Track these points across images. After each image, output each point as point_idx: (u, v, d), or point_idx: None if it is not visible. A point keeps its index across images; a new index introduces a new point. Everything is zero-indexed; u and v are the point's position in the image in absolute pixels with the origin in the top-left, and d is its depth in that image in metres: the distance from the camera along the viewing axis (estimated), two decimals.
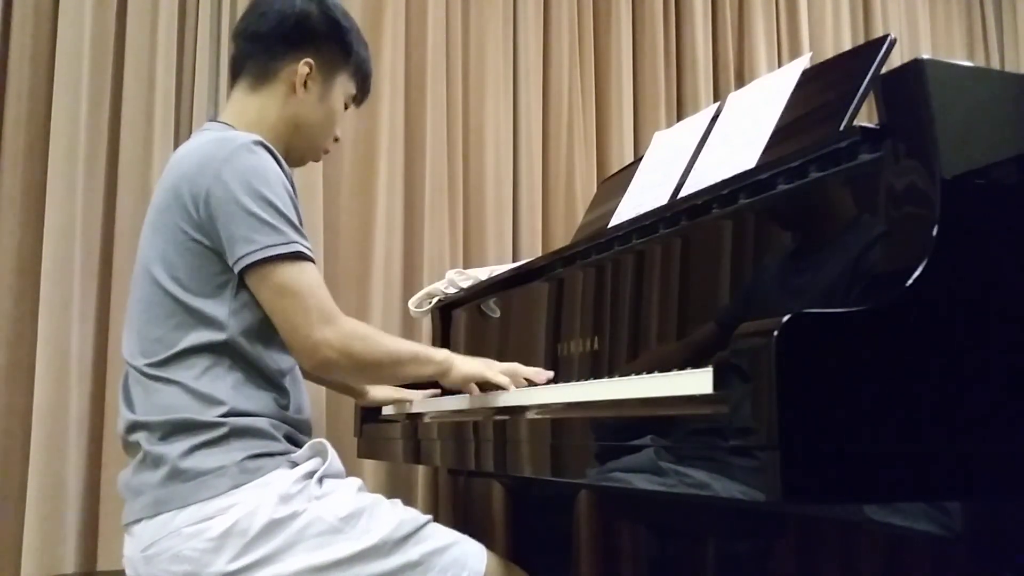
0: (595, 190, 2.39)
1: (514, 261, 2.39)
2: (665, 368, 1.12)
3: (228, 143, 1.26)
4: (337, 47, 1.44)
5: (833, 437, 0.77)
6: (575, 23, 2.69)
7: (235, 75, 1.44)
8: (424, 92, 2.41)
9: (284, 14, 1.40)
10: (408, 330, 2.35)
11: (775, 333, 0.76)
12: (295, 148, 1.44)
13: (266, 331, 1.28)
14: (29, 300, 2.01)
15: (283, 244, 1.23)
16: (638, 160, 1.71)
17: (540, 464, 1.19)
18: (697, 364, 0.96)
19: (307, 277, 1.24)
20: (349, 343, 1.26)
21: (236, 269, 1.23)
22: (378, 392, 1.77)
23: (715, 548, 1.64)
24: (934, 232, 0.86)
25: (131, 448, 1.28)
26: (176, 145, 2.15)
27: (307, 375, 1.46)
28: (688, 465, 0.87)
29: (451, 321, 2.05)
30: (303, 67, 1.39)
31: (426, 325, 2.27)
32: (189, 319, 1.25)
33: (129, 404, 1.28)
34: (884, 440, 0.79)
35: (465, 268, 2.20)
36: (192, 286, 1.25)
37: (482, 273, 1.97)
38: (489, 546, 1.32)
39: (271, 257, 1.22)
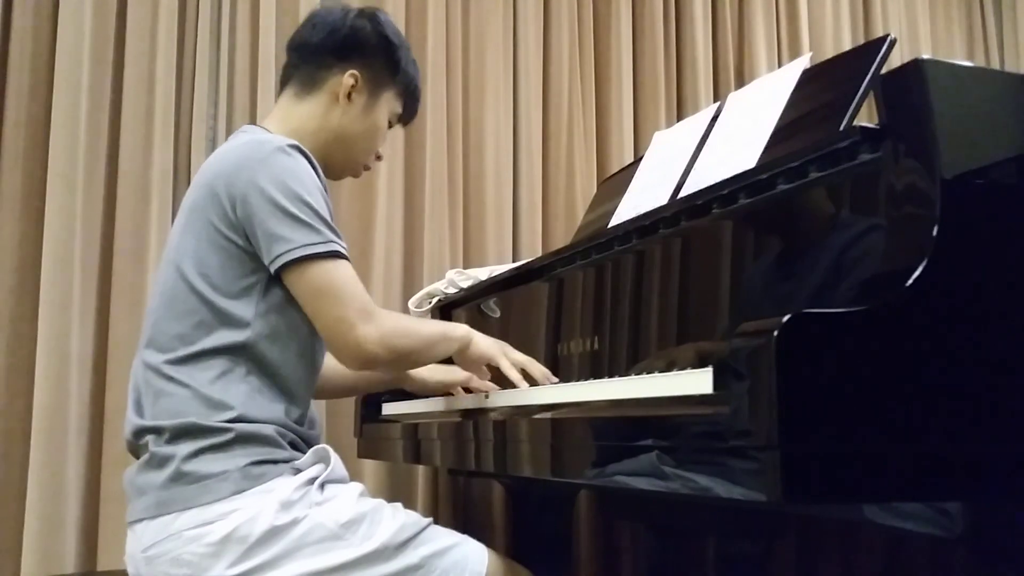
0: (595, 190, 2.39)
1: (514, 261, 2.39)
2: (665, 368, 1.12)
3: (265, 145, 1.27)
4: (385, 63, 1.45)
5: (833, 437, 0.77)
6: (575, 23, 2.69)
7: (283, 84, 1.47)
8: (424, 92, 2.40)
9: (335, 26, 1.42)
10: None
11: (775, 333, 0.76)
12: (334, 160, 1.45)
13: (287, 337, 1.28)
14: (29, 300, 2.01)
15: (320, 243, 1.23)
16: (638, 160, 1.71)
17: (540, 464, 1.19)
18: (697, 364, 0.96)
19: (345, 274, 1.25)
20: (390, 337, 1.27)
21: (273, 267, 1.23)
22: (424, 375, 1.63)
23: (715, 548, 1.64)
24: (934, 232, 0.86)
25: (139, 450, 1.28)
26: (176, 145, 2.16)
27: (320, 393, 1.49)
28: (688, 466, 0.87)
29: (451, 321, 2.05)
30: (348, 78, 1.41)
31: None
32: (212, 318, 1.25)
33: (138, 410, 1.28)
34: (884, 440, 0.79)
35: (465, 268, 2.20)
36: (220, 285, 1.25)
37: (482, 273, 1.97)
38: (489, 546, 1.32)
39: (309, 256, 1.23)
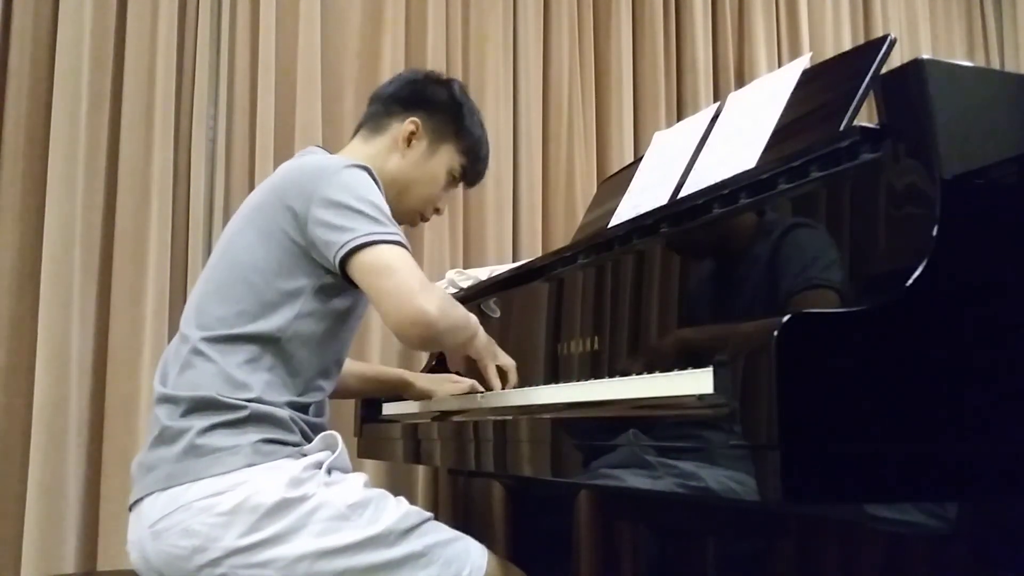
0: (595, 190, 2.39)
1: (514, 261, 2.39)
2: (666, 368, 1.12)
3: (339, 160, 1.37)
4: (449, 118, 1.54)
5: (833, 437, 0.77)
6: (575, 23, 2.69)
7: (357, 129, 1.58)
8: None
9: (410, 80, 1.57)
10: None
11: (775, 333, 0.76)
12: (389, 204, 1.48)
13: (315, 345, 1.33)
14: (29, 300, 2.01)
15: (384, 232, 1.28)
16: (638, 160, 1.71)
17: (540, 464, 1.19)
18: (697, 364, 0.96)
19: (406, 257, 1.29)
20: (446, 307, 1.30)
21: (338, 257, 1.26)
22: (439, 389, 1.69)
23: (715, 548, 1.64)
24: (934, 232, 0.86)
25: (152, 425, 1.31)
26: (176, 145, 2.16)
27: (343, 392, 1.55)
28: (687, 466, 0.87)
29: None
30: (409, 124, 1.51)
31: None
32: (255, 308, 1.30)
33: (163, 380, 1.33)
34: (884, 440, 0.79)
35: (465, 268, 2.21)
36: (271, 281, 1.32)
37: (482, 273, 1.97)
38: (489, 546, 1.33)
39: (372, 242, 1.26)
